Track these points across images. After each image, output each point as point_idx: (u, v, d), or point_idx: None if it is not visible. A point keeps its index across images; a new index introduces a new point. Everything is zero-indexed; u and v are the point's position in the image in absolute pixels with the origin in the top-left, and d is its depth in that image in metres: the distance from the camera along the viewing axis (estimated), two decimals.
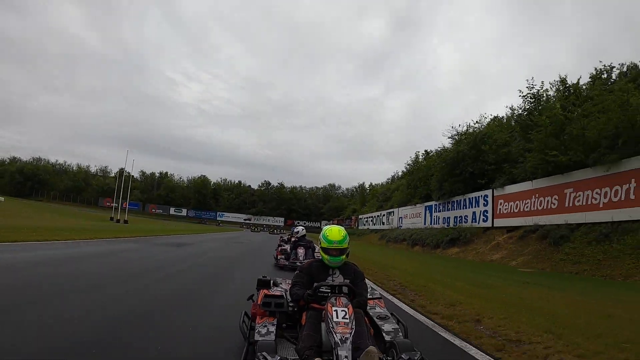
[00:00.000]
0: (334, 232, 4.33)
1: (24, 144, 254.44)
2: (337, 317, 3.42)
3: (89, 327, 4.67)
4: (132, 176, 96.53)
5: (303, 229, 13.43)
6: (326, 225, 5.33)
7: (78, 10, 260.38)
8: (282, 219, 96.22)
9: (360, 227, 60.46)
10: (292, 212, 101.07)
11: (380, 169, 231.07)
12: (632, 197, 15.54)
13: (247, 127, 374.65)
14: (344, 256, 4.35)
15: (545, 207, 20.78)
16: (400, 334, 3.91)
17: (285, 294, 4.40)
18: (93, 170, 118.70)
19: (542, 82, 22.08)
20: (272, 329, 3.81)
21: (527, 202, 21.97)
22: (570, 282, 13.63)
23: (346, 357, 3.08)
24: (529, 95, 23.49)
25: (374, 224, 53.23)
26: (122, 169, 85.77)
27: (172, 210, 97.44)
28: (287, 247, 13.63)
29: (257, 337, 3.64)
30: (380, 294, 5.02)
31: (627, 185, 15.79)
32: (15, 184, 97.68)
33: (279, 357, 3.23)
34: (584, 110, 19.64)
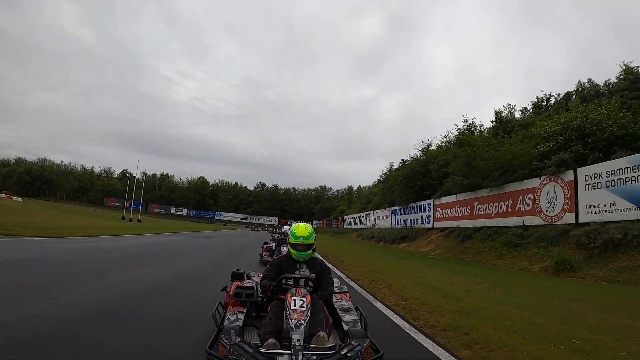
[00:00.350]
0: (300, 229, 4.81)
1: (18, 140, 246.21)
2: (295, 306, 3.95)
3: (211, 260, 13.89)
4: (136, 178, 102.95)
5: (289, 227, 14.54)
6: (296, 223, 5.67)
7: (72, 6, 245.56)
8: (276, 219, 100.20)
9: (345, 227, 65.84)
10: (286, 212, 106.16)
11: (375, 169, 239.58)
12: (509, 210, 22.71)
13: (243, 126, 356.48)
14: (310, 251, 4.83)
15: (462, 214, 27.88)
16: (359, 324, 4.24)
17: (256, 286, 4.77)
18: (97, 171, 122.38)
19: (474, 117, 28.73)
20: (241, 316, 4.23)
21: (453, 210, 29.14)
22: (456, 265, 19.43)
23: (298, 340, 3.53)
24: (464, 126, 30.92)
25: (356, 224, 59.38)
26: (125, 170, 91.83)
27: (173, 210, 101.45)
28: (273, 244, 13.67)
29: (226, 324, 4.03)
30: (347, 288, 5.39)
31: (507, 202, 23.03)
32: (23, 184, 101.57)
33: (239, 339, 3.57)
34: (478, 149, 27.17)
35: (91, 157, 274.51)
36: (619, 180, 16.21)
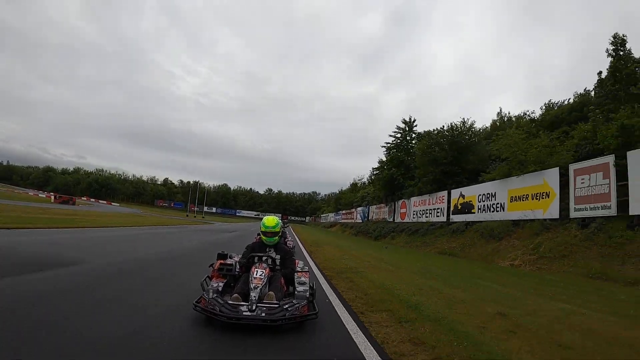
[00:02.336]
0: (269, 220, 6.31)
1: (23, 134, 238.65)
2: (256, 275, 5.45)
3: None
4: (173, 183, 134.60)
5: (279, 220, 12.09)
6: (266, 216, 6.90)
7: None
8: (280, 215, 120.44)
9: (321, 221, 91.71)
10: (286, 210, 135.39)
11: (376, 165, 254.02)
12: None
13: (245, 121, 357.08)
14: (277, 237, 6.36)
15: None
16: (307, 293, 5.63)
17: (235, 264, 6.19)
18: (145, 179, 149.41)
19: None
20: (221, 284, 5.64)
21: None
22: (404, 250, 25.11)
23: (254, 296, 5.06)
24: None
25: (329, 219, 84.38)
26: (166, 178, 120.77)
27: (205, 209, 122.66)
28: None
29: (209, 288, 5.51)
30: (308, 269, 6.63)
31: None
32: (93, 190, 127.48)
33: (215, 295, 5.21)
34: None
35: (96, 151, 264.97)
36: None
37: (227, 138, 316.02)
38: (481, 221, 22.63)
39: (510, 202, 20.68)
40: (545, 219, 17.49)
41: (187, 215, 77.85)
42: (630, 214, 13.64)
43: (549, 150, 19.42)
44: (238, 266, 6.05)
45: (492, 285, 10.22)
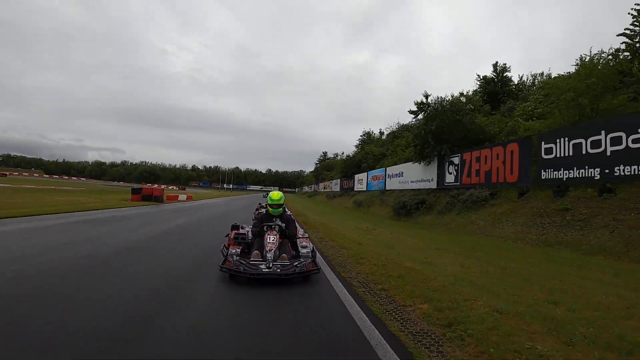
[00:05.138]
0: (274, 195, 6.81)
1: (20, 122, 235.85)
2: (269, 240, 5.93)
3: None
4: (199, 168, 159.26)
5: (282, 194, 10.79)
6: (272, 191, 7.90)
7: None
8: (277, 187, 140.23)
9: (305, 190, 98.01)
10: (282, 184, 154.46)
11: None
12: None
13: (241, 95, 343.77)
14: (281, 209, 6.78)
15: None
16: (310, 254, 6.19)
17: (247, 233, 6.67)
18: (178, 166, 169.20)
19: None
20: (238, 250, 6.10)
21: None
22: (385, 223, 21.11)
23: (270, 257, 5.61)
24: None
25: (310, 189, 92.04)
26: (194, 165, 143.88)
27: (224, 185, 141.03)
28: (264, 210, 10.76)
29: (232, 253, 6.00)
30: (308, 235, 7.17)
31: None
32: (142, 178, 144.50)
33: (238, 257, 5.79)
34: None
35: (95, 134, 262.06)
36: None
37: (224, 112, 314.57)
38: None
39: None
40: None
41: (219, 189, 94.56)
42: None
43: None
44: (250, 234, 6.64)
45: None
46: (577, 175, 12.30)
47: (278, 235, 6.15)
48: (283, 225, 6.53)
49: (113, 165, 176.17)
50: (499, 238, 12.53)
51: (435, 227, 16.81)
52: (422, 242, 11.00)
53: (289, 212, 8.52)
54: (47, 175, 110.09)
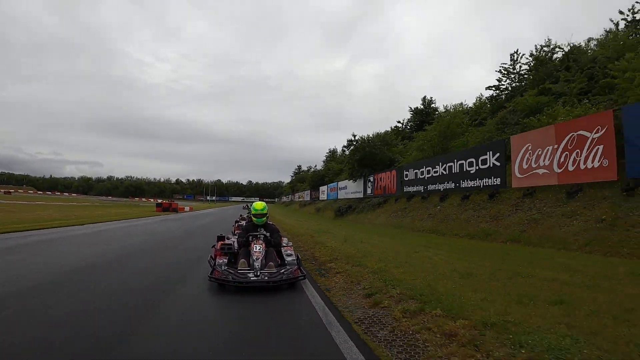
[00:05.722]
0: (258, 205, 6.95)
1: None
2: (256, 249, 6.04)
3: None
4: (182, 181, 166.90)
5: (266, 204, 10.09)
6: (253, 201, 8.80)
7: None
8: (258, 198, 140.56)
9: (283, 200, 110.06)
10: (263, 195, 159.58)
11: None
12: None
13: (220, 105, 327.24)
14: (265, 218, 6.92)
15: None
16: (294, 261, 6.42)
17: (234, 243, 6.78)
18: (162, 180, 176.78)
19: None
20: (225, 260, 6.22)
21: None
22: (339, 224, 41.19)
23: (257, 266, 5.73)
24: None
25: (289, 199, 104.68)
26: (178, 178, 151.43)
27: (207, 197, 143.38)
28: (244, 223, 10.77)
29: (220, 263, 6.10)
30: (291, 244, 7.62)
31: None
32: (129, 192, 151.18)
33: (226, 267, 5.92)
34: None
35: (73, 147, 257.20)
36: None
37: (204, 122, 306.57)
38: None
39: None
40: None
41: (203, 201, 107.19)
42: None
43: None
44: (237, 244, 6.70)
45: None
46: (416, 189, 22.12)
47: (264, 245, 6.28)
48: (268, 234, 6.71)
49: (99, 180, 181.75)
50: (377, 225, 22.21)
51: (353, 222, 26.44)
52: (343, 230, 20.30)
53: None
54: (41, 192, 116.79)
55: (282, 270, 5.90)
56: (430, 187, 20.38)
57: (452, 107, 40.17)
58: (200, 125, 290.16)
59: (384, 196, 26.85)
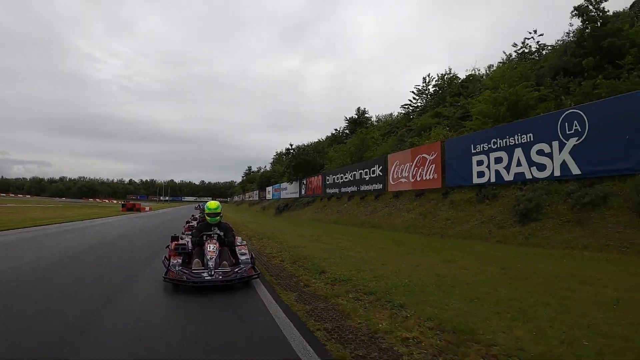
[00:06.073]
0: (211, 204, 6.85)
1: None
2: (210, 249, 6.00)
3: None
4: (135, 181, 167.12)
5: (219, 203, 9.46)
6: (210, 200, 8.58)
7: None
8: (211, 198, 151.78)
9: (235, 200, 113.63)
10: (215, 195, 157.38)
11: (305, 138, 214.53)
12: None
13: (173, 102, 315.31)
14: (218, 217, 6.82)
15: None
16: (248, 260, 6.28)
17: (188, 243, 6.67)
18: (115, 181, 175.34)
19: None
20: (179, 261, 6.12)
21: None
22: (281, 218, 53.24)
23: (211, 265, 5.71)
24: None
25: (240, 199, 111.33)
26: (131, 178, 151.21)
27: (161, 198, 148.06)
28: (194, 223, 11.49)
29: (174, 263, 5.97)
30: (246, 243, 7.31)
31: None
32: (82, 193, 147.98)
33: (180, 267, 5.82)
34: None
35: (20, 146, 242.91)
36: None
37: (156, 120, 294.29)
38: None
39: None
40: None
41: (157, 201, 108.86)
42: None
43: None
44: (190, 244, 6.61)
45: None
46: (334, 191, 27.47)
47: (218, 244, 6.23)
48: (222, 233, 6.64)
49: (52, 181, 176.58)
50: (304, 219, 27.26)
51: (288, 217, 31.48)
52: (278, 223, 25.22)
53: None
54: None
55: (236, 270, 5.85)
56: (343, 189, 25.76)
57: (383, 118, 46.88)
58: (152, 123, 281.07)
59: (312, 196, 32.08)
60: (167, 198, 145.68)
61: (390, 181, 19.68)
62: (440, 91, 30.22)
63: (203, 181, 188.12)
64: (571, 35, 20.99)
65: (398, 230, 15.20)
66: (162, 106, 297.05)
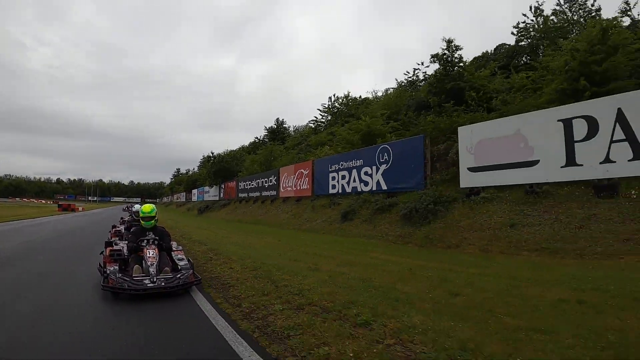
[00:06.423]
0: (146, 207, 6.51)
1: None
2: (149, 254, 5.74)
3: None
4: (64, 180, 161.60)
5: (139, 206, 8.99)
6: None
7: None
8: (140, 199, 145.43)
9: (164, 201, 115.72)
10: (145, 196, 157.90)
11: (237, 140, 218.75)
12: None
13: (104, 97, 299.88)
14: (154, 221, 6.45)
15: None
16: (188, 265, 6.13)
17: (123, 249, 6.40)
18: (43, 179, 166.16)
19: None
20: (116, 267, 5.79)
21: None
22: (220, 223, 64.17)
23: (152, 271, 5.46)
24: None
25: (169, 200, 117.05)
26: (58, 177, 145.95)
27: (89, 198, 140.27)
28: (123, 228, 10.83)
29: (108, 272, 5.61)
30: (181, 247, 7.38)
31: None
32: (8, 192, 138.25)
33: (120, 275, 5.53)
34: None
35: None
36: None
37: (86, 115, 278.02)
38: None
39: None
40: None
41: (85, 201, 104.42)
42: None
43: None
44: (126, 250, 6.30)
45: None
46: (244, 195, 31.90)
47: (157, 249, 5.96)
48: (158, 238, 6.30)
49: None
50: (219, 219, 31.23)
51: (207, 217, 35.23)
52: (200, 222, 29.14)
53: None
54: None
55: (179, 275, 5.68)
56: (250, 194, 30.30)
57: (300, 128, 51.39)
58: (82, 118, 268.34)
59: (228, 199, 36.30)
60: (96, 198, 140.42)
61: (281, 189, 24.41)
62: (336, 111, 34.69)
63: (132, 181, 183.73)
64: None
65: (277, 226, 19.92)
66: (93, 100, 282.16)
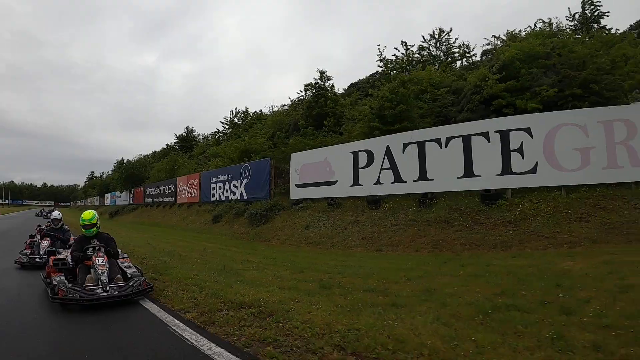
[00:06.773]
0: (86, 214, 6.15)
1: None
2: (98, 263, 5.44)
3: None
4: None
5: (59, 214, 9.83)
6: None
7: None
8: (53, 202, 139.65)
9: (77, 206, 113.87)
10: (58, 199, 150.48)
11: (157, 140, 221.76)
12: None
13: (18, 90, 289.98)
14: (95, 229, 6.11)
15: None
16: (138, 272, 5.82)
17: (67, 257, 6.00)
18: None
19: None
20: (63, 277, 5.42)
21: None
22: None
23: (104, 280, 5.20)
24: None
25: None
26: None
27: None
28: (38, 238, 9.52)
29: (54, 283, 5.31)
30: (127, 255, 6.70)
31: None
32: None
33: (71, 285, 5.17)
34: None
35: None
36: None
37: None
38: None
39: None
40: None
41: None
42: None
43: None
44: (70, 258, 5.94)
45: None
46: (152, 200, 35.55)
47: (105, 257, 5.66)
48: (104, 245, 5.97)
49: None
50: (128, 221, 34.54)
51: (117, 220, 37.88)
52: (106, 224, 32.68)
53: (66, 226, 9.16)
54: None
55: (132, 283, 5.40)
56: (155, 199, 34.22)
57: (209, 136, 54.34)
58: None
59: (137, 204, 39.71)
60: (6, 202, 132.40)
61: (178, 196, 28.69)
62: (234, 125, 38.22)
63: (45, 184, 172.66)
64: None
65: (168, 226, 24.36)
66: (6, 93, 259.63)
